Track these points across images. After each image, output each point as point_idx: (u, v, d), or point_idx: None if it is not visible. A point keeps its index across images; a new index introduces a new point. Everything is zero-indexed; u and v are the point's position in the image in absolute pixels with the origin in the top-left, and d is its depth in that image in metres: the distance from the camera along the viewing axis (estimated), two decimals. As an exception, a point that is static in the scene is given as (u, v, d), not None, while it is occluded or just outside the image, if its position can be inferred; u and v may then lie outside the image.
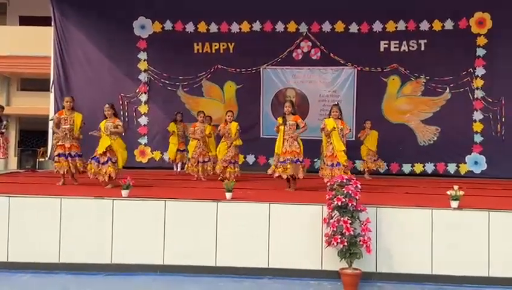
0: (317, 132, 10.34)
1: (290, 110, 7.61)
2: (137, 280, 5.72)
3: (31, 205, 6.12)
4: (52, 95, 12.44)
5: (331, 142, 7.51)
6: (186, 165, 9.87)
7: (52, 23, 12.43)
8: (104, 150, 7.50)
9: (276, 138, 7.74)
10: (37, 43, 14.27)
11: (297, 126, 7.60)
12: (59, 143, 7.84)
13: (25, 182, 8.66)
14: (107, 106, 7.79)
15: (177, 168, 11.04)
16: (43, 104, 13.29)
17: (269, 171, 7.75)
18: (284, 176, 7.48)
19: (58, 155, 7.80)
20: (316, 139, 10.44)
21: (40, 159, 13.39)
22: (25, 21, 16.53)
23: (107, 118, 7.73)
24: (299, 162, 7.48)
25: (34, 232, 6.00)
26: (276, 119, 10.44)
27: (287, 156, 7.47)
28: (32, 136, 17.70)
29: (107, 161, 7.49)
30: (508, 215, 5.72)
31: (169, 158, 11.20)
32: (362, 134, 10.65)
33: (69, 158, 7.77)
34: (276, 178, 7.61)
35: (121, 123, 7.84)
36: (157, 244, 5.92)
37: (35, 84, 16.00)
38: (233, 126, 9.07)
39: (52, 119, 7.93)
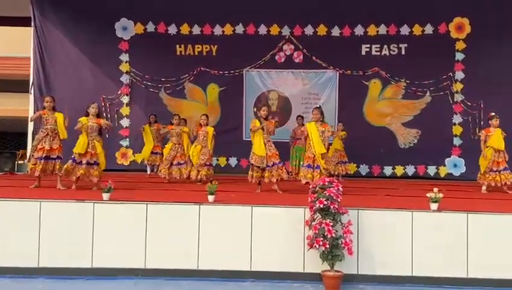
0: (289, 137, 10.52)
1: (267, 114, 7.91)
2: (118, 284, 5.66)
3: (9, 208, 6.01)
4: (31, 97, 12.23)
5: (312, 145, 7.57)
6: (158, 168, 9.90)
7: (32, 24, 12.23)
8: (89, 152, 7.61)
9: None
10: (17, 44, 14.07)
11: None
12: (39, 145, 7.63)
13: (4, 185, 8.49)
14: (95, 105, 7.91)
15: (152, 170, 11.02)
16: (23, 105, 13.09)
17: (270, 179, 7.72)
18: (274, 180, 7.66)
19: (37, 158, 7.59)
20: (286, 141, 10.62)
21: (19, 162, 13.17)
22: (4, 21, 16.23)
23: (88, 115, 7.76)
24: (280, 164, 7.76)
25: (13, 236, 5.89)
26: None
27: (272, 159, 7.69)
28: (11, 138, 17.42)
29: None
30: (485, 217, 5.82)
31: (143, 159, 11.16)
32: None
33: (48, 161, 7.59)
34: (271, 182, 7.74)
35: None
36: (139, 247, 5.87)
37: (15, 85, 15.73)
38: (210, 130, 9.23)
39: (32, 120, 7.82)
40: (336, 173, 10.42)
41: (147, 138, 10.98)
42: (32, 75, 12.29)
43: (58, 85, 12.13)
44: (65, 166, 7.61)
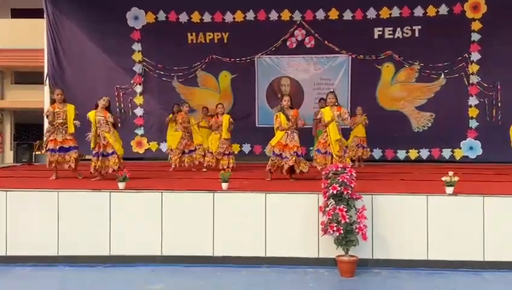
0: (312, 120, 10.40)
1: (290, 104, 7.56)
2: (136, 271, 5.76)
3: (28, 198, 6.13)
4: (46, 88, 12.35)
5: (326, 130, 7.47)
6: (169, 156, 9.96)
7: (45, 16, 12.32)
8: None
9: (272, 127, 7.69)
10: (30, 36, 14.16)
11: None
12: (51, 138, 7.66)
13: (22, 175, 8.67)
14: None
15: None
16: (38, 97, 13.22)
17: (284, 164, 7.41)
18: (286, 166, 7.33)
19: (49, 150, 7.62)
20: (311, 127, 10.53)
21: (36, 153, 13.39)
22: (17, 14, 16.40)
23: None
24: (300, 156, 7.45)
25: (32, 225, 6.02)
26: (272, 108, 10.32)
27: (286, 150, 7.36)
28: (27, 130, 17.65)
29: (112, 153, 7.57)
30: (502, 200, 5.77)
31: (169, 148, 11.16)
32: (353, 120, 10.52)
33: (62, 152, 7.61)
34: (277, 169, 7.47)
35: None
36: (155, 235, 5.95)
37: (30, 77, 15.89)
38: (225, 118, 9.06)
39: (47, 115, 7.84)
40: (357, 158, 10.34)
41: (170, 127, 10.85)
42: (47, 67, 12.42)
43: (71, 76, 12.26)
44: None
